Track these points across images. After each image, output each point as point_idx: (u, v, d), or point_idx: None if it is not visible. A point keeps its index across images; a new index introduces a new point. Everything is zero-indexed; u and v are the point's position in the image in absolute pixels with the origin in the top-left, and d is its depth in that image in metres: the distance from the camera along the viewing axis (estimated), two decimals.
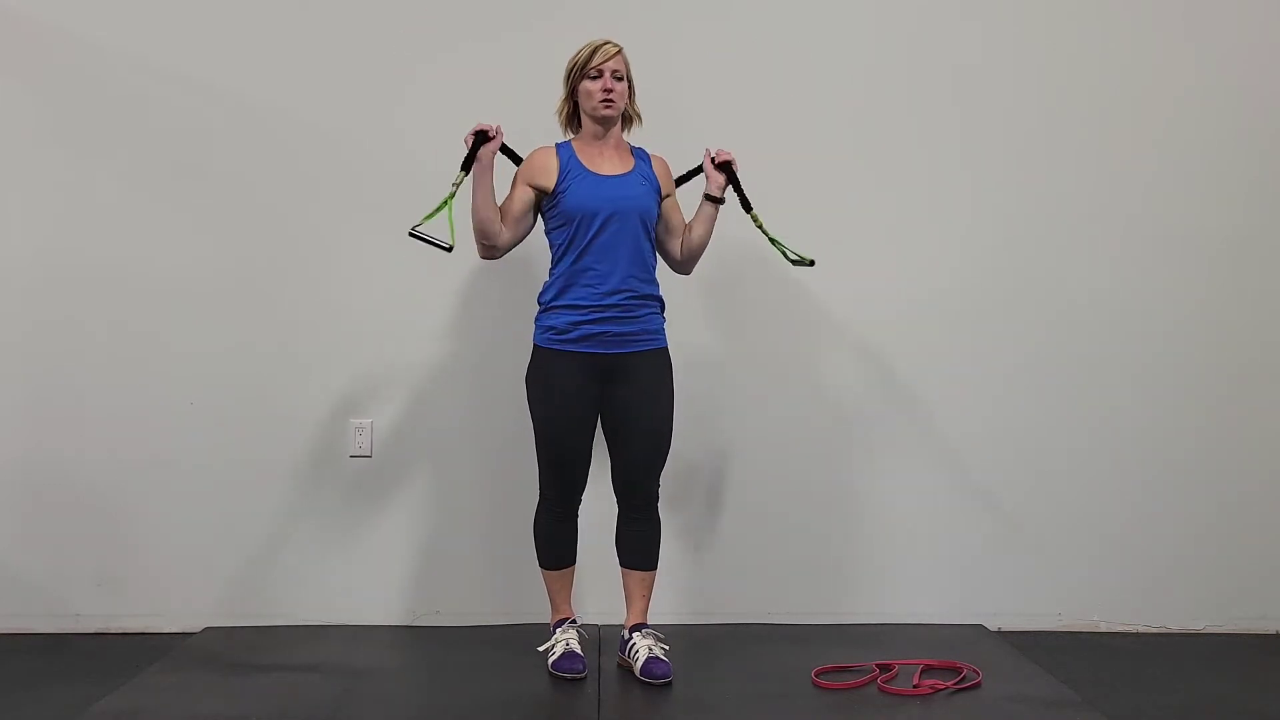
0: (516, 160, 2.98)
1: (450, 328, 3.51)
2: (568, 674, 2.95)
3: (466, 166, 2.88)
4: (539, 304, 2.98)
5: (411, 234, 2.82)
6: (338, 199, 3.49)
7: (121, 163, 3.46)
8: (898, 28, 3.54)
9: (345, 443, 3.50)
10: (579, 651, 3.01)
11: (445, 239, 2.79)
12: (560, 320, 2.91)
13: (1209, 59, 3.57)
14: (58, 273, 3.45)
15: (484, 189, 2.89)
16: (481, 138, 2.88)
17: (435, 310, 3.49)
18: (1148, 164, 3.57)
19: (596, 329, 2.89)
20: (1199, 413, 3.59)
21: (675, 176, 3.11)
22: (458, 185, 2.86)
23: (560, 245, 2.93)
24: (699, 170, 3.09)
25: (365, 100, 3.48)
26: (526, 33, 3.48)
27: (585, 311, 2.88)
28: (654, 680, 2.92)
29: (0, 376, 3.45)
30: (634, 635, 3.03)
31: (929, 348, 3.55)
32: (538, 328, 2.97)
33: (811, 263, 3.03)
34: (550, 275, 2.97)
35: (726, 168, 3.01)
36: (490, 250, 2.96)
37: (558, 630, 3.06)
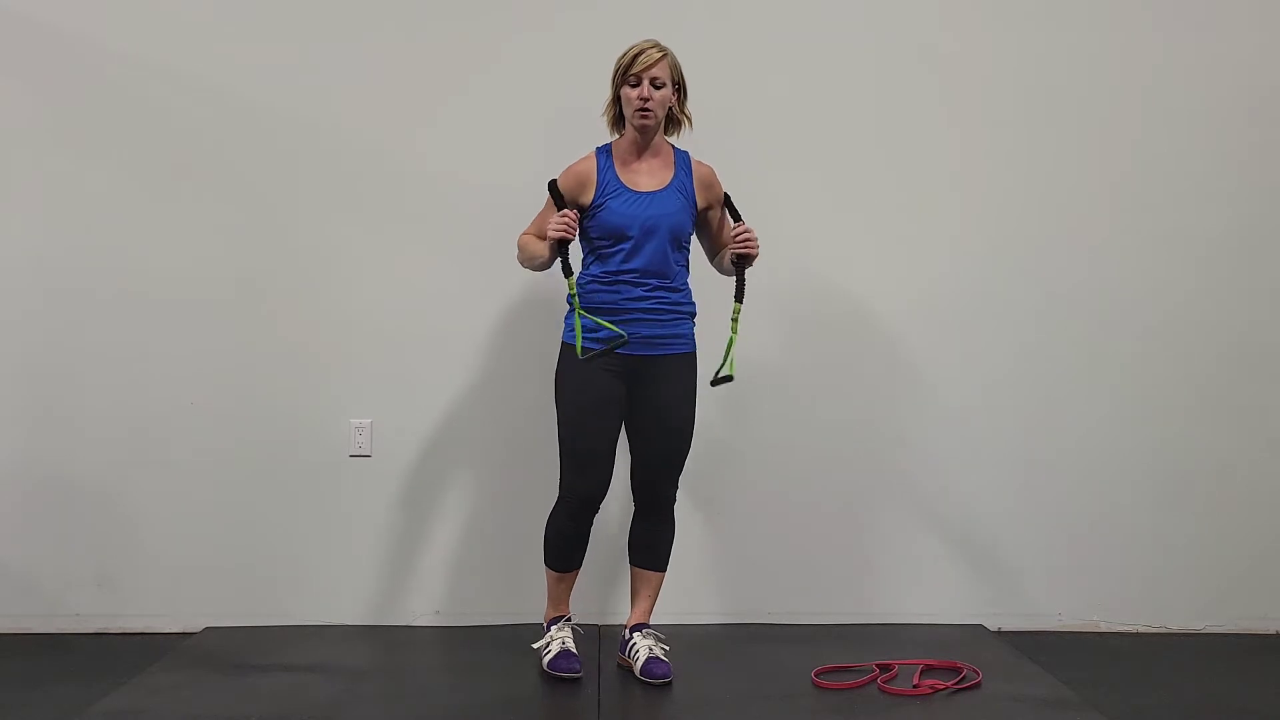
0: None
1: (451, 327, 3.50)
2: (564, 673, 2.93)
3: (567, 271, 2.88)
4: (569, 302, 2.96)
5: (585, 359, 2.84)
6: (338, 199, 3.48)
7: (122, 163, 3.46)
8: (903, 31, 3.54)
9: (345, 443, 3.50)
10: (574, 650, 2.99)
11: (612, 336, 2.85)
12: (589, 320, 2.90)
13: (1205, 54, 3.57)
14: (58, 273, 3.45)
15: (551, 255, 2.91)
16: (565, 245, 2.86)
17: (436, 310, 3.49)
18: (1142, 161, 3.57)
19: (626, 330, 2.88)
20: (1199, 412, 3.58)
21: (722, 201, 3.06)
22: (574, 294, 2.87)
23: (592, 251, 2.96)
24: (737, 218, 3.01)
25: (366, 100, 3.47)
26: (531, 31, 3.48)
27: (613, 314, 2.89)
28: (654, 680, 2.92)
29: (0, 376, 3.45)
30: (634, 635, 3.03)
31: (927, 348, 3.55)
32: (567, 326, 2.97)
33: (729, 379, 2.93)
34: (581, 275, 2.97)
35: (742, 262, 2.93)
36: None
37: (553, 628, 3.04)
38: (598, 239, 2.94)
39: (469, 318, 3.51)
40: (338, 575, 3.49)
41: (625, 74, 2.89)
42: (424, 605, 3.51)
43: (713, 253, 3.13)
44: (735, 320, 2.95)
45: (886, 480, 3.56)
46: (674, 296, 2.95)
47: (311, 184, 3.48)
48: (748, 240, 2.91)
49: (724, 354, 2.94)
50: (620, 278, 2.90)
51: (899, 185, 3.55)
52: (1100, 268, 3.57)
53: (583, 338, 2.86)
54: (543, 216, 2.98)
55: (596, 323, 2.86)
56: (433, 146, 3.48)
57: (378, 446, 3.50)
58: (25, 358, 3.46)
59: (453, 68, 3.48)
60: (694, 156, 3.02)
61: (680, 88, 2.96)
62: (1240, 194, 3.58)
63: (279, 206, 3.49)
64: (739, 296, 2.95)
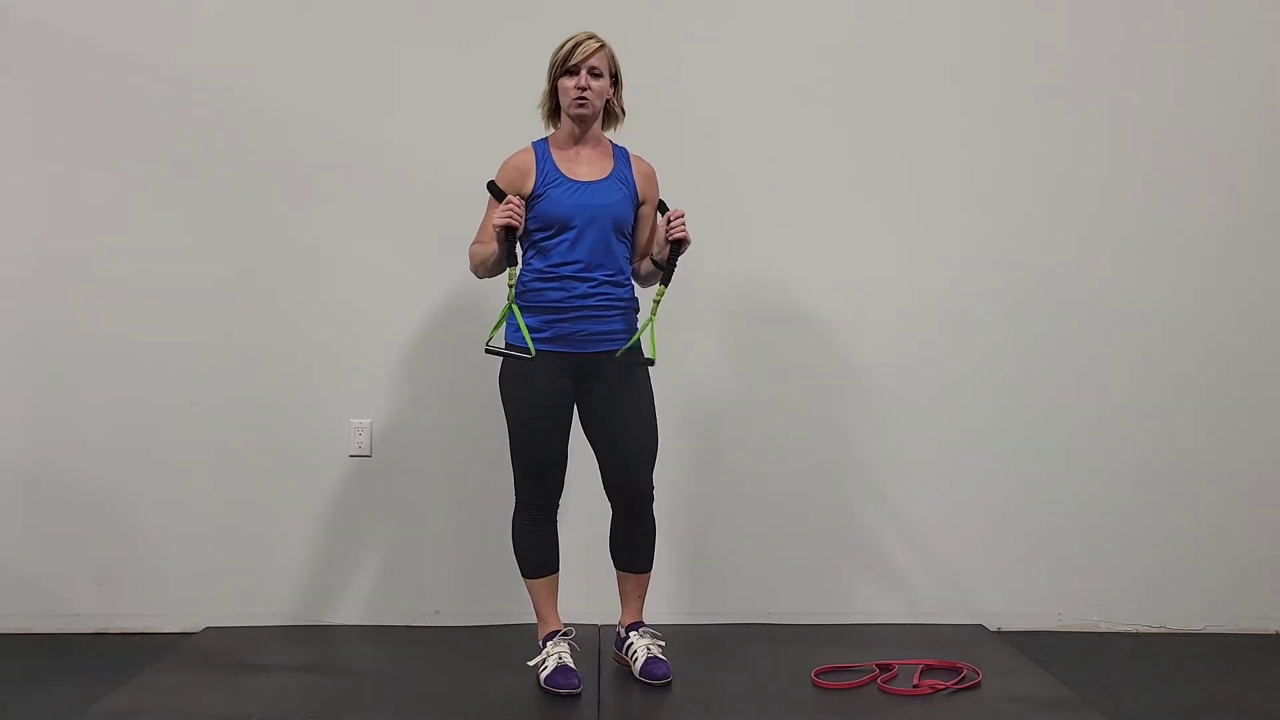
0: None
1: (450, 327, 3.51)
2: (563, 689, 2.85)
3: (513, 260, 2.84)
4: (510, 300, 2.90)
5: (489, 351, 2.86)
6: (337, 198, 3.49)
7: (121, 162, 3.46)
8: (904, 31, 3.54)
9: (345, 443, 3.50)
10: (572, 665, 2.91)
11: (523, 347, 2.83)
12: (534, 319, 2.87)
13: (1206, 56, 3.57)
14: (58, 272, 3.45)
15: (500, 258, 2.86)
16: (513, 233, 2.81)
17: (435, 310, 3.49)
18: (1145, 161, 3.57)
19: (570, 328, 2.86)
20: (1199, 412, 3.58)
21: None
22: (513, 286, 2.84)
23: (533, 246, 2.90)
24: (661, 212, 2.97)
25: (364, 99, 3.48)
26: (526, 30, 3.47)
27: (557, 312, 2.85)
28: (654, 681, 2.92)
29: (1, 377, 3.45)
30: (631, 634, 3.02)
31: (928, 347, 3.55)
32: (509, 326, 2.90)
33: (650, 362, 2.90)
34: (522, 272, 2.90)
35: (675, 246, 2.87)
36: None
37: (548, 644, 2.95)
38: (538, 230, 2.88)
39: (469, 318, 3.50)
40: (338, 575, 3.50)
41: (564, 65, 2.86)
42: (424, 605, 3.51)
43: (633, 256, 3.04)
44: (658, 303, 2.89)
45: (887, 480, 3.56)
46: (618, 291, 2.91)
47: (311, 184, 3.48)
48: (682, 223, 2.85)
49: (642, 335, 2.90)
50: (563, 271, 2.84)
51: (900, 186, 3.55)
52: (1101, 269, 3.57)
53: (514, 331, 2.85)
54: (488, 220, 2.90)
55: (522, 330, 2.83)
56: (434, 147, 3.48)
57: (378, 446, 3.50)
58: (25, 358, 3.46)
59: (454, 67, 3.48)
60: (634, 152, 3.00)
61: (616, 80, 2.94)
62: (1241, 197, 3.57)
63: (279, 207, 3.49)
64: (666, 281, 2.90)
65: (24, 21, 3.43)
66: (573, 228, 2.85)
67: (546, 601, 2.99)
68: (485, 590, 3.50)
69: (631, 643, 3.00)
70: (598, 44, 2.88)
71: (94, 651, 3.29)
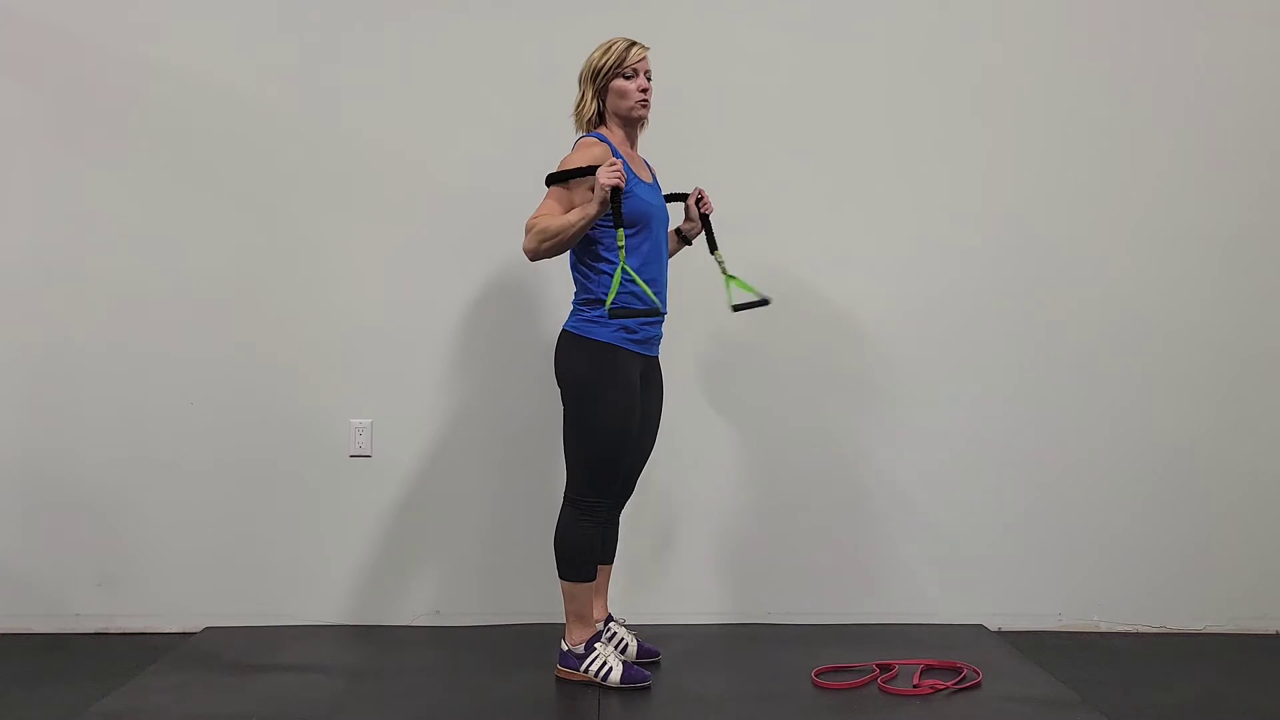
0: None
1: (450, 327, 3.51)
2: (641, 683, 2.89)
3: (619, 221, 2.73)
4: (601, 299, 2.82)
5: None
6: (338, 199, 3.48)
7: (121, 164, 3.46)
8: (908, 29, 3.54)
9: (345, 443, 3.50)
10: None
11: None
12: (632, 320, 2.82)
13: (1218, 59, 3.56)
14: (58, 274, 3.45)
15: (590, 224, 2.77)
16: (619, 194, 2.72)
17: (435, 310, 3.49)
18: (1158, 163, 3.56)
19: (654, 331, 2.89)
20: (1200, 413, 3.58)
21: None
22: (623, 246, 2.74)
23: (617, 245, 2.80)
24: (679, 199, 3.06)
25: (366, 101, 3.47)
26: (526, 33, 3.47)
27: (650, 314, 2.79)
28: (656, 659, 3.03)
29: (1, 377, 3.45)
30: (611, 625, 3.08)
31: (930, 349, 3.55)
32: (606, 325, 2.82)
33: (766, 301, 2.98)
34: (607, 273, 2.82)
35: (706, 219, 3.03)
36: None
37: (597, 645, 2.94)
38: (618, 228, 2.77)
39: (469, 318, 3.51)
40: (338, 575, 3.49)
41: (619, 67, 2.84)
42: (424, 605, 3.51)
43: None
44: (722, 262, 3.01)
45: (887, 480, 3.56)
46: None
47: (311, 184, 3.48)
48: (707, 200, 3.04)
49: (730, 289, 3.00)
50: (651, 272, 2.83)
51: (905, 187, 3.54)
52: (1101, 270, 3.56)
53: (627, 294, 2.81)
54: (559, 206, 2.78)
55: (641, 286, 2.79)
56: (433, 147, 3.48)
57: (378, 446, 3.50)
58: (25, 358, 3.46)
59: (453, 69, 3.48)
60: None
61: None
62: (1256, 201, 3.56)
63: (279, 207, 3.49)
64: (715, 246, 3.03)
65: (25, 22, 3.43)
66: (652, 227, 2.87)
67: (589, 603, 2.95)
68: (485, 590, 3.50)
69: (616, 633, 3.06)
70: (647, 48, 2.89)
71: (94, 651, 3.29)
